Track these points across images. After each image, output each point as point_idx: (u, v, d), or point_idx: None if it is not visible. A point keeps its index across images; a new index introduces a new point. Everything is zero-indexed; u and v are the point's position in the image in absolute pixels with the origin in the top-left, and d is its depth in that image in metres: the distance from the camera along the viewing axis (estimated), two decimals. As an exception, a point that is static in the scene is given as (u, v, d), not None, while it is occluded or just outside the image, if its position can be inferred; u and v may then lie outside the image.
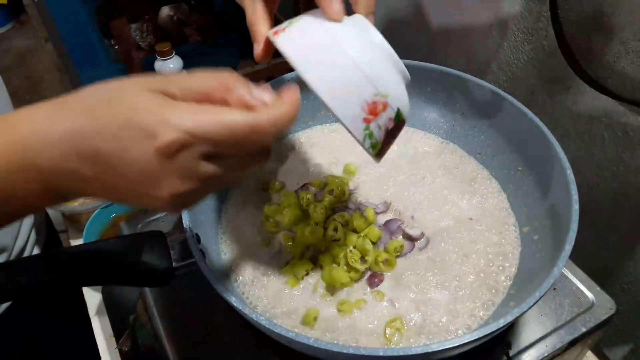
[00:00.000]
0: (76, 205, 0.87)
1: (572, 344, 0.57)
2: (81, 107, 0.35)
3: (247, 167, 0.39)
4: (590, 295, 0.60)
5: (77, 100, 0.36)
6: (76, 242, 0.94)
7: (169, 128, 0.33)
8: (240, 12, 0.50)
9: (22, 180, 0.34)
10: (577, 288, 0.61)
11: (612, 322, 0.59)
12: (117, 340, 0.73)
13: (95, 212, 0.87)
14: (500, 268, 0.57)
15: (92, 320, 0.82)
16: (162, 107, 0.34)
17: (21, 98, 2.38)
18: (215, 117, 0.35)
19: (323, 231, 0.59)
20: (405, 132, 0.73)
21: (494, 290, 0.56)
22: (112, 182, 0.35)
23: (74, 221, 0.93)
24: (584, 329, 0.57)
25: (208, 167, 0.36)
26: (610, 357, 0.75)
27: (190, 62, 1.25)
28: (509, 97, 0.63)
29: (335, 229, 0.58)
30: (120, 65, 1.64)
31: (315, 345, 0.43)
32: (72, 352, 0.98)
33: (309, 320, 0.53)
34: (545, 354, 0.56)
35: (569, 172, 0.54)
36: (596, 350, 0.75)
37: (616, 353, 0.94)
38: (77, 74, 2.00)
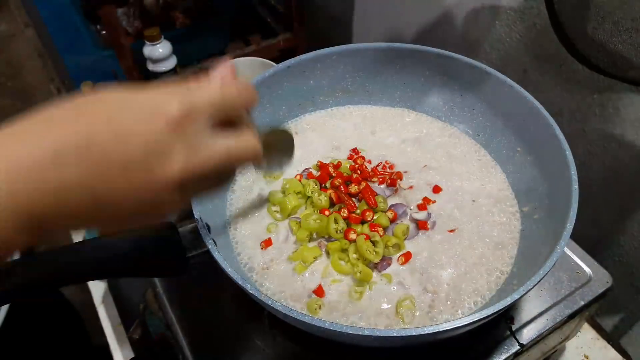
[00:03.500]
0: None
1: (571, 317, 0.59)
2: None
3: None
4: (587, 269, 0.62)
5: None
6: (76, 233, 0.94)
7: (174, 102, 0.33)
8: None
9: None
10: (575, 263, 0.63)
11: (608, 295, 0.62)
12: (126, 328, 0.74)
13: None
14: (503, 247, 0.59)
15: (98, 309, 0.83)
16: (157, 90, 0.34)
17: (3, 84, 2.33)
18: (208, 86, 0.36)
19: (327, 219, 0.60)
20: (406, 116, 0.74)
21: (497, 269, 0.58)
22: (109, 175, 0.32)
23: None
24: (582, 303, 0.60)
25: (218, 138, 0.35)
26: (603, 326, 0.78)
27: (179, 47, 1.24)
28: (508, 80, 0.64)
29: (336, 221, 0.59)
30: (107, 52, 1.61)
31: (332, 329, 0.45)
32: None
33: (311, 309, 0.55)
34: (546, 327, 0.58)
35: (568, 153, 0.56)
36: (590, 320, 0.78)
37: (607, 322, 0.98)
38: (60, 59, 1.96)
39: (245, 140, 0.38)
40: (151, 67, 1.36)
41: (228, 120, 0.37)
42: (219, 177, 0.39)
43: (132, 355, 0.74)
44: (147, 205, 0.34)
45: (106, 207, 0.33)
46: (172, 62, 1.34)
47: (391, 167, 0.68)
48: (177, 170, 0.33)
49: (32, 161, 0.30)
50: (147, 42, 1.19)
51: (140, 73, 1.34)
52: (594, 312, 0.67)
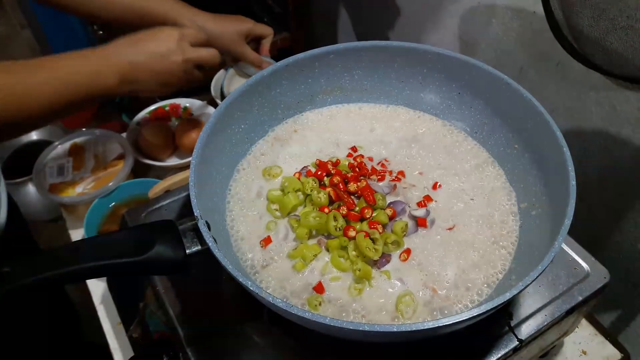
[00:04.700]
0: (75, 195, 0.87)
1: (569, 312, 0.60)
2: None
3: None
4: (585, 265, 0.63)
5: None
6: (75, 232, 0.94)
7: (177, 32, 0.78)
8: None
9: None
10: (573, 259, 0.63)
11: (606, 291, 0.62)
12: (126, 327, 0.74)
13: (94, 202, 0.87)
14: (501, 244, 0.60)
15: (97, 308, 0.83)
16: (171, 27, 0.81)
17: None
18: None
19: (326, 216, 0.60)
20: (404, 114, 0.74)
21: (496, 265, 0.58)
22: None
23: (72, 211, 0.92)
24: (580, 298, 0.60)
25: (196, 49, 0.80)
26: (601, 322, 0.79)
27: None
28: (505, 77, 0.64)
29: (335, 218, 0.59)
30: (104, 51, 1.61)
31: (332, 324, 0.45)
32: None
33: (312, 306, 0.55)
34: (545, 323, 0.58)
35: (566, 150, 0.56)
36: (588, 316, 0.78)
37: (605, 319, 0.98)
38: (57, 60, 1.95)
39: (209, 50, 0.82)
40: (148, 67, 1.36)
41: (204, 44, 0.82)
42: (201, 65, 0.82)
43: (131, 354, 0.74)
44: (172, 74, 0.77)
45: (155, 75, 0.75)
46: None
47: (390, 164, 0.68)
48: (181, 59, 0.77)
49: (127, 59, 0.73)
50: (145, 42, 1.18)
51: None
52: (592, 308, 0.67)
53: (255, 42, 1.02)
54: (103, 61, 0.71)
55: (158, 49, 0.74)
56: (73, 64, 0.69)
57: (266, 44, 1.04)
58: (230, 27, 0.91)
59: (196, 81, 0.82)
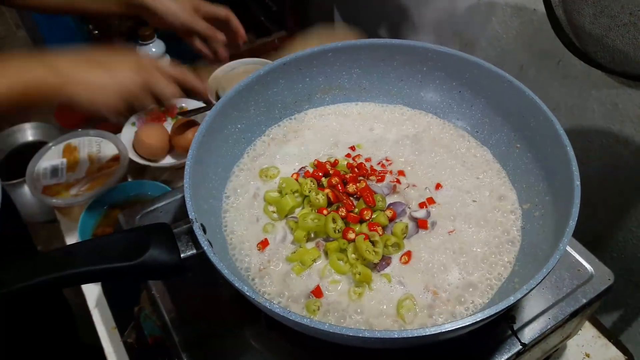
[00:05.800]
0: (69, 197, 0.86)
1: (573, 315, 0.58)
2: None
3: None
4: (589, 267, 0.61)
5: None
6: (69, 234, 0.93)
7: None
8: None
9: None
10: (577, 261, 0.62)
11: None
12: (120, 332, 0.73)
13: (89, 204, 0.85)
14: (504, 245, 0.59)
15: (92, 312, 0.82)
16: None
17: (-6, 87, 2.30)
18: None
19: (325, 218, 0.59)
20: (405, 113, 0.73)
21: (498, 267, 0.57)
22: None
23: (67, 213, 0.91)
24: (584, 300, 0.59)
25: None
26: (603, 323, 0.77)
27: (172, 46, 1.23)
28: (507, 75, 0.63)
29: (334, 220, 0.58)
30: (99, 51, 1.60)
31: (331, 331, 0.44)
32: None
33: (310, 310, 0.54)
34: (548, 326, 0.57)
35: (569, 149, 0.55)
36: (591, 318, 0.77)
37: (607, 319, 0.97)
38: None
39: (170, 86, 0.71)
40: (144, 66, 1.35)
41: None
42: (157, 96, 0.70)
43: (126, 358, 0.72)
44: (126, 86, 0.66)
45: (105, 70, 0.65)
46: (165, 62, 1.33)
47: (390, 164, 0.67)
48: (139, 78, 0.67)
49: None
50: (140, 42, 1.17)
51: (134, 73, 1.33)
52: (595, 310, 0.66)
53: (220, 26, 0.98)
54: (55, 57, 0.65)
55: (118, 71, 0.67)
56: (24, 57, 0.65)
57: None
58: None
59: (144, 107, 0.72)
